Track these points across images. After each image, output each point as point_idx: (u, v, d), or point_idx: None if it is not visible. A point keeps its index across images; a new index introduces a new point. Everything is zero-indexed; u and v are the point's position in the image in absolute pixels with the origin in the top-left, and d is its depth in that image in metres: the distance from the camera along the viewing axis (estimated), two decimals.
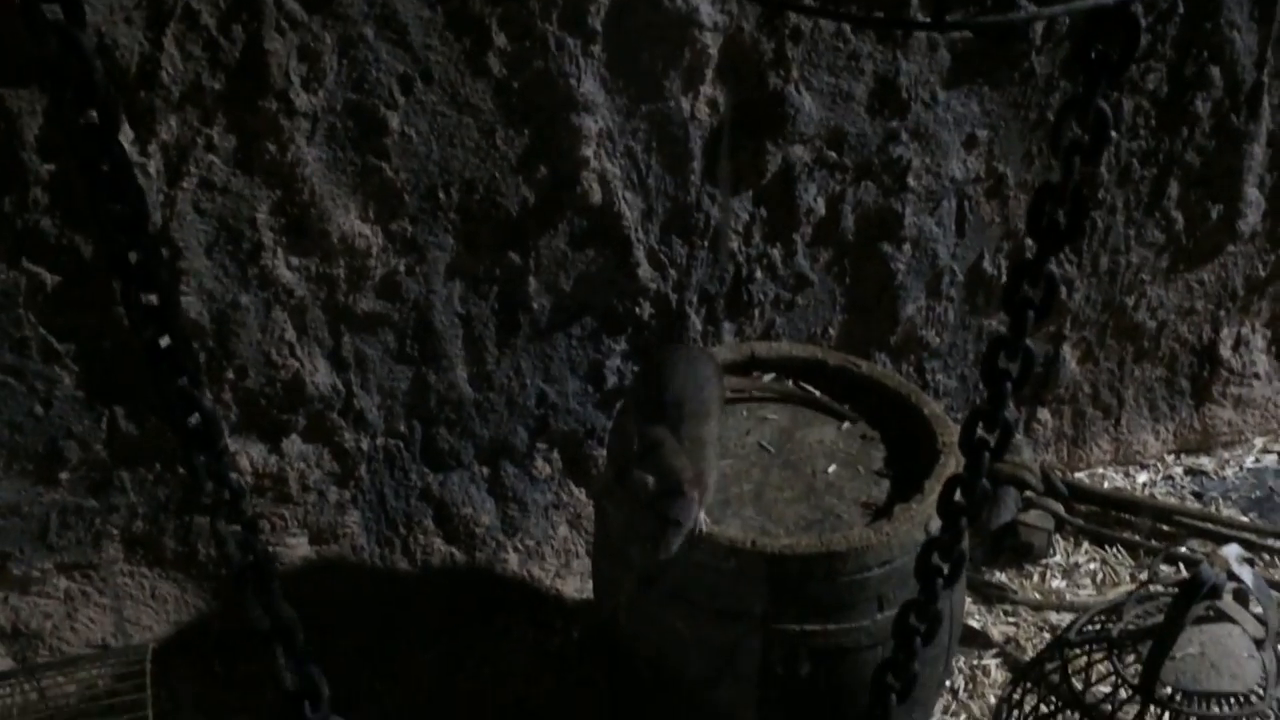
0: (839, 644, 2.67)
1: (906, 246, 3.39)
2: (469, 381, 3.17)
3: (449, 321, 3.10)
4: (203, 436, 1.59)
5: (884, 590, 2.65)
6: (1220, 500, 3.83)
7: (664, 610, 2.75)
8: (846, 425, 2.91)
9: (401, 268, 2.99)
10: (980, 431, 1.97)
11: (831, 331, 3.46)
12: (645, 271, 3.18)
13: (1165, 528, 3.67)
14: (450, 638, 3.34)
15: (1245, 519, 3.74)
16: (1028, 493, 3.65)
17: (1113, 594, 3.40)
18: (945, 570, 2.11)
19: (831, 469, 2.86)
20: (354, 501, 3.23)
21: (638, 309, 3.22)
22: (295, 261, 2.91)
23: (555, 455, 3.35)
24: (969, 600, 3.43)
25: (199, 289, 2.84)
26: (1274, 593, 2.97)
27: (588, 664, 3.25)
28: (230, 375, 2.96)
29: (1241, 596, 2.31)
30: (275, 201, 2.83)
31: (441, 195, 2.93)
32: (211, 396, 2.62)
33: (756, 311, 3.35)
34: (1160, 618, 2.30)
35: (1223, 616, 2.29)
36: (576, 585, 3.46)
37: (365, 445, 3.17)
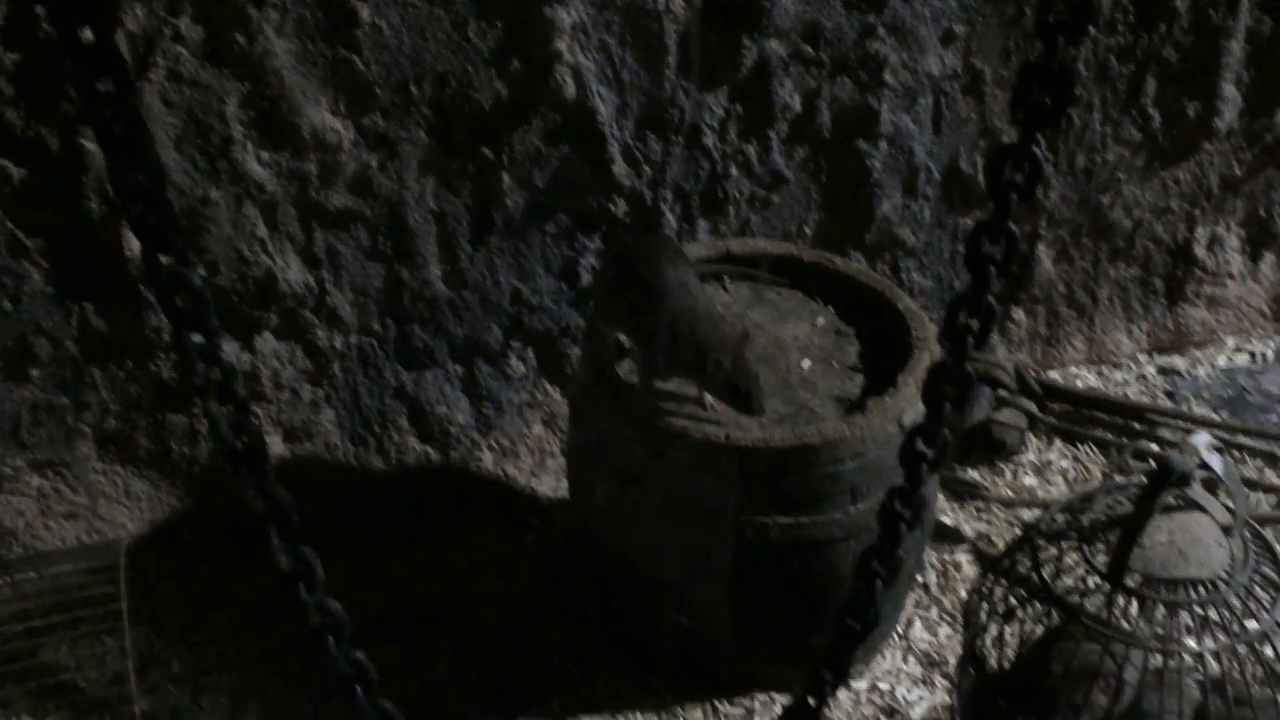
0: (812, 536, 2.69)
1: (883, 144, 3.37)
2: (442, 279, 3.15)
3: (422, 218, 3.07)
4: (192, 315, 1.57)
5: (857, 483, 2.66)
6: (1192, 399, 3.85)
7: (639, 508, 2.76)
8: (821, 321, 2.90)
9: (374, 163, 2.96)
10: (963, 317, 1.97)
11: (807, 230, 3.44)
12: (619, 168, 3.15)
13: (1138, 426, 3.69)
14: (425, 536, 3.34)
15: (1216, 417, 3.76)
16: (1001, 391, 3.66)
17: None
18: (930, 456, 2.12)
19: (806, 364, 2.86)
20: (328, 400, 3.22)
21: (612, 206, 3.20)
22: (266, 156, 2.88)
23: (530, 354, 3.34)
24: (941, 497, 3.45)
25: (168, 183, 2.80)
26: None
27: (563, 561, 3.26)
28: (201, 271, 2.93)
29: (1211, 485, 2.32)
30: (244, 94, 2.79)
31: (413, 89, 2.89)
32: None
33: (732, 209, 3.33)
34: (1130, 508, 2.32)
35: (1192, 505, 2.30)
36: (551, 484, 3.47)
37: (339, 343, 3.15)
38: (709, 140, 3.20)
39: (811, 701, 2.30)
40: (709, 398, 2.70)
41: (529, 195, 3.12)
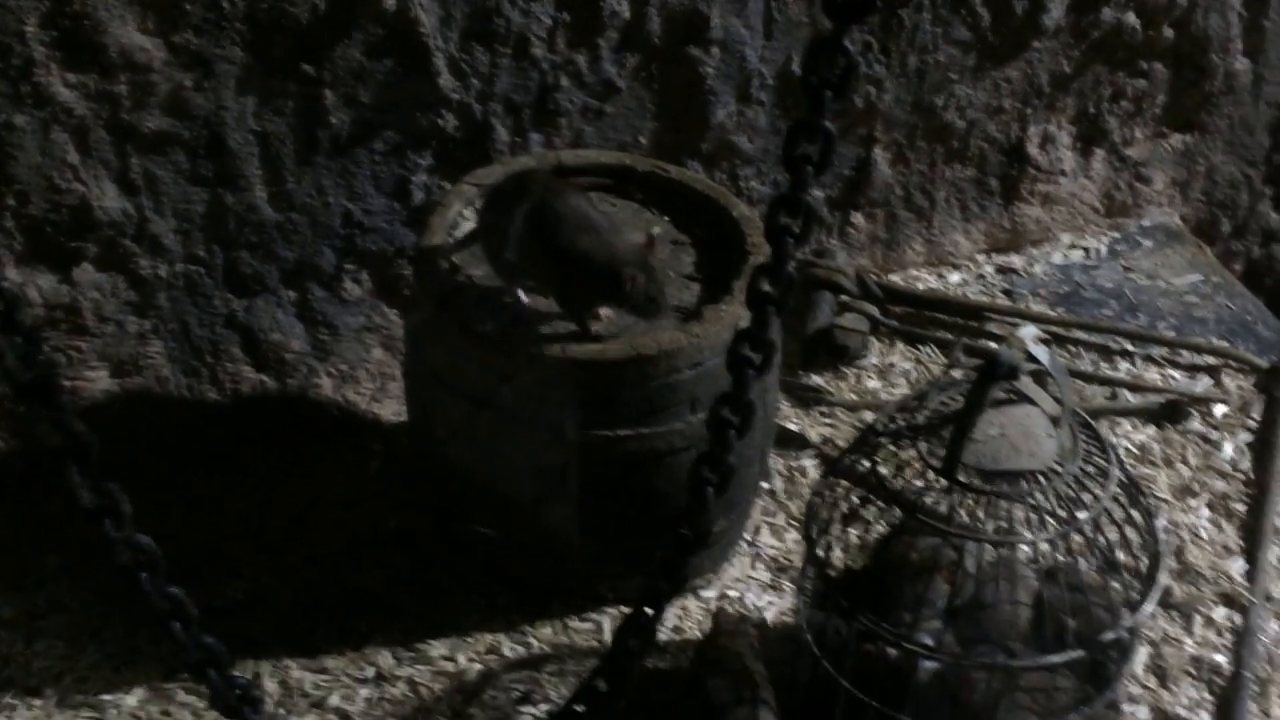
0: (654, 448, 2.68)
1: (715, 50, 3.33)
2: (268, 202, 3.06)
3: (243, 139, 2.97)
4: None
5: (696, 392, 2.65)
6: (1030, 297, 3.90)
7: (485, 432, 2.73)
8: (657, 231, 2.87)
9: (188, 83, 2.85)
10: (783, 218, 1.96)
11: (643, 140, 3.40)
12: (446, 81, 3.07)
13: (978, 325, 3.73)
14: (265, 465, 3.27)
15: (1054, 313, 3.82)
16: (842, 296, 3.67)
17: None
18: (756, 361, 2.11)
19: None
20: (155, 331, 3.11)
21: (441, 121, 3.12)
22: (72, 78, 2.75)
23: (364, 276, 3.27)
24: (786, 404, 3.46)
25: None
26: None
27: (407, 486, 3.21)
28: (11, 201, 2.81)
29: (1040, 378, 2.35)
30: (45, 13, 2.66)
31: (225, 4, 2.78)
32: None
33: (564, 121, 3.28)
34: (962, 404, 2.34)
35: (1022, 398, 2.33)
36: (394, 409, 3.41)
37: (163, 272, 3.05)
38: (537, 50, 3.14)
39: (649, 611, 2.30)
40: (604, 311, 2.68)
41: (355, 113, 3.03)
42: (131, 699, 2.77)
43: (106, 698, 2.77)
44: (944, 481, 2.31)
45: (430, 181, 3.19)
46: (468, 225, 2.87)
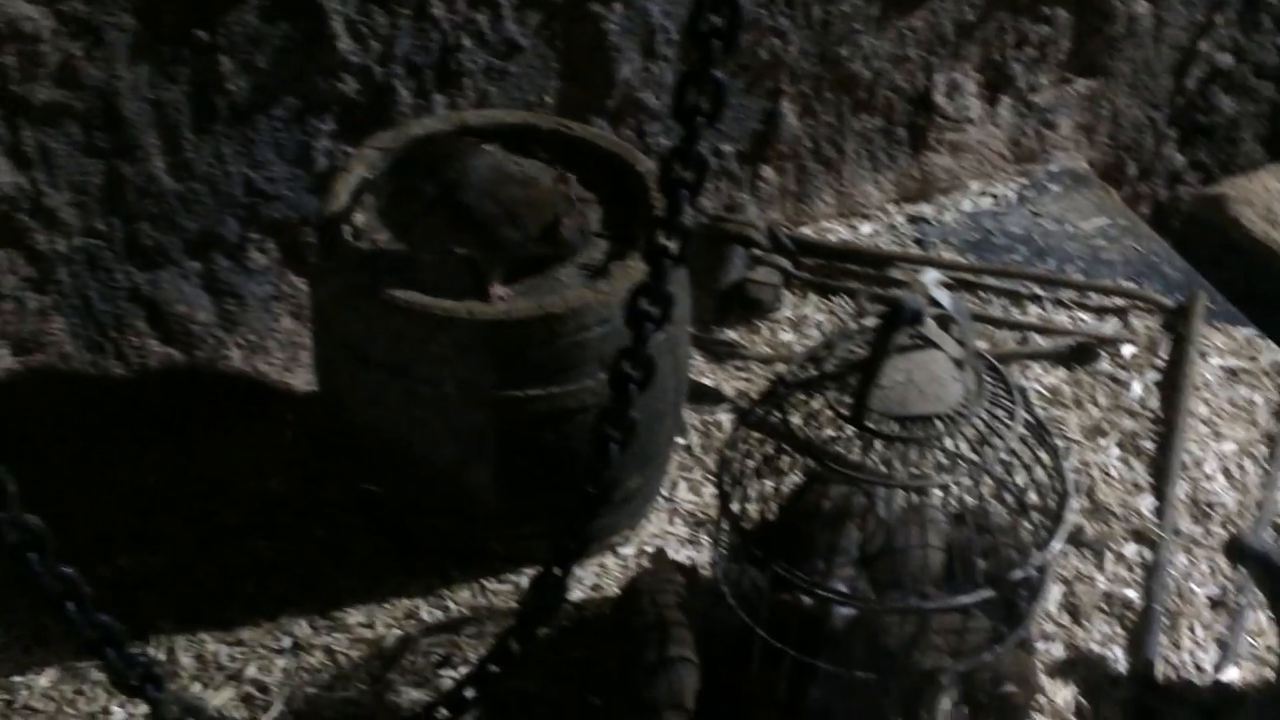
0: (565, 406, 2.67)
1: (617, 5, 3.31)
2: (167, 172, 3.01)
3: (139, 109, 2.92)
4: None
5: (605, 350, 2.64)
6: (940, 245, 3.92)
7: (393, 394, 2.71)
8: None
9: (78, 52, 2.79)
10: (678, 171, 1.96)
11: (548, 99, 3.38)
12: (345, 44, 3.03)
13: (890, 274, 3.74)
14: (175, 440, 3.22)
15: (964, 260, 3.84)
16: (754, 250, 3.67)
17: None
18: (655, 315, 2.11)
19: None
20: (56, 307, 3.06)
21: (341, 85, 3.09)
22: None
23: (270, 245, 3.23)
24: (700, 359, 3.47)
25: None
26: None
27: (321, 456, 3.18)
28: None
29: (945, 323, 2.36)
30: None
31: None
32: None
33: (468, 82, 3.25)
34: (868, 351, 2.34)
35: (927, 342, 2.33)
36: (305, 378, 3.37)
37: (62, 246, 2.99)
38: (437, 10, 3.10)
39: (557, 571, 2.30)
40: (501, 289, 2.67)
41: (253, 79, 2.99)
42: (43, 679, 2.74)
43: (17, 679, 2.74)
44: (852, 429, 2.32)
45: (333, 147, 3.15)
46: (372, 190, 2.83)
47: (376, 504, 3.00)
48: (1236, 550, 2.72)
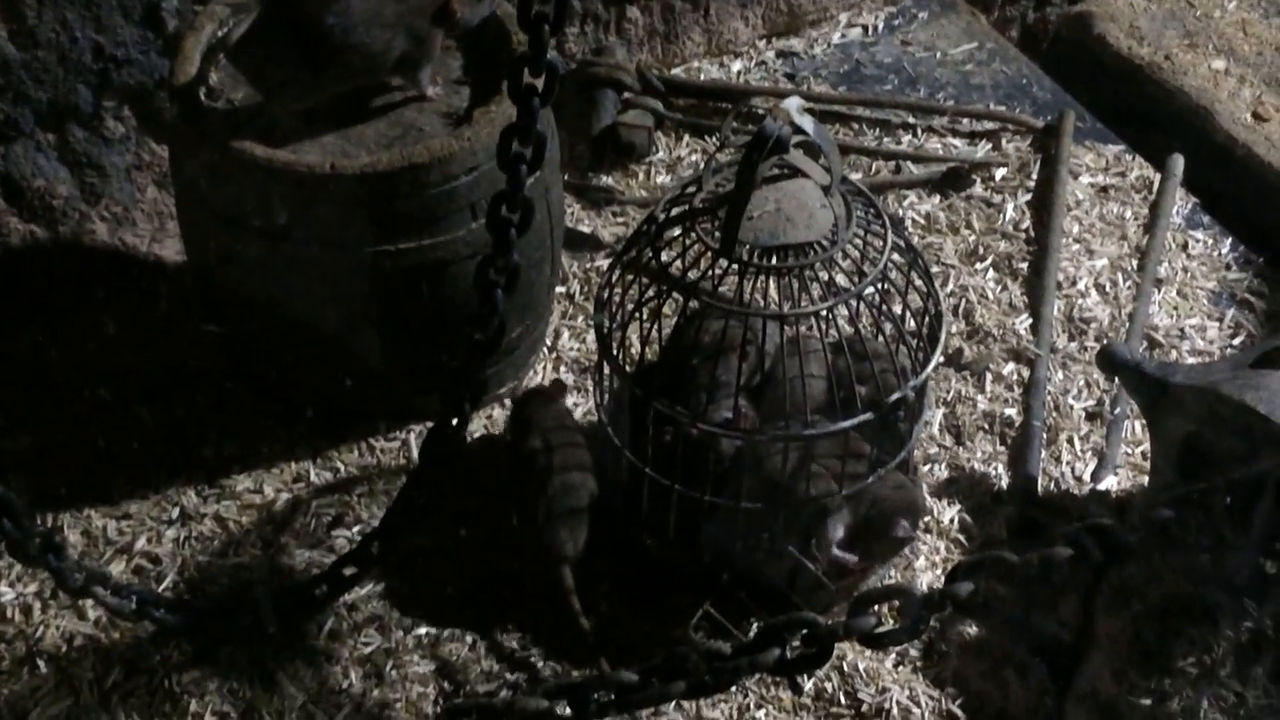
0: (438, 258, 2.65)
1: None
2: (10, 40, 2.90)
3: None
4: None
5: (474, 198, 2.62)
6: (812, 78, 3.91)
7: (259, 254, 2.66)
8: None
9: None
10: (537, 5, 1.93)
11: None
12: None
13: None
14: (45, 319, 3.15)
15: (836, 92, 3.83)
16: (625, 94, 3.64)
17: None
18: (527, 156, 2.09)
19: None
20: None
21: None
22: None
23: (126, 112, 3.13)
24: (577, 207, 3.45)
25: None
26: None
27: (197, 325, 3.12)
28: None
29: (812, 150, 2.36)
30: None
31: None
32: None
33: None
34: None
35: (794, 171, 2.33)
36: (175, 248, 3.29)
37: None
38: None
39: (453, 421, 2.30)
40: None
41: None
42: None
43: None
44: (724, 261, 2.33)
45: (182, 6, 3.05)
46: (225, 49, 2.75)
47: (258, 369, 2.96)
48: (1109, 361, 2.78)
